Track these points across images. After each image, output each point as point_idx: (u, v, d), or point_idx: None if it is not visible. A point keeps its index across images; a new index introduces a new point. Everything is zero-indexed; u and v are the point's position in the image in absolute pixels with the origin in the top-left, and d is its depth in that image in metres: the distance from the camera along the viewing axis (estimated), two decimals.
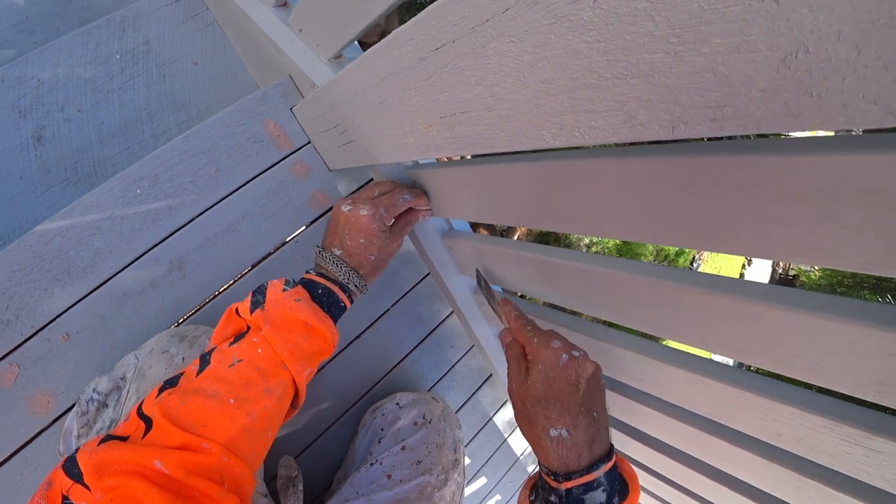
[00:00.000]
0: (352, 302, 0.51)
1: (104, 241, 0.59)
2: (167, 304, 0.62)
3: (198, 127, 0.63)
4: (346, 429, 0.78)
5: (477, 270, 0.62)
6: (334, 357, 0.76)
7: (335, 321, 0.48)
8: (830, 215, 0.23)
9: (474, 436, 1.02)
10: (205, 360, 0.42)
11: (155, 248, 0.61)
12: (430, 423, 0.70)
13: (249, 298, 0.46)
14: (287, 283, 0.47)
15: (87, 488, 0.32)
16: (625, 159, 0.32)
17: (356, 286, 0.50)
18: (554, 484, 0.40)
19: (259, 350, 0.42)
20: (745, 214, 0.27)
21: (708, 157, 0.27)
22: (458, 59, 0.30)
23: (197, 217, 0.64)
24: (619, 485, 0.40)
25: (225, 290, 0.66)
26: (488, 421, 1.03)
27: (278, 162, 0.68)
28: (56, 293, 0.57)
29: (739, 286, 0.34)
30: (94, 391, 0.50)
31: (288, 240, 0.70)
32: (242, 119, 0.66)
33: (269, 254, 0.69)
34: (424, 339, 0.87)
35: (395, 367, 0.83)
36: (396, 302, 0.82)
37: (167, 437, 0.35)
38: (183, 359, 0.51)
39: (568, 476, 0.39)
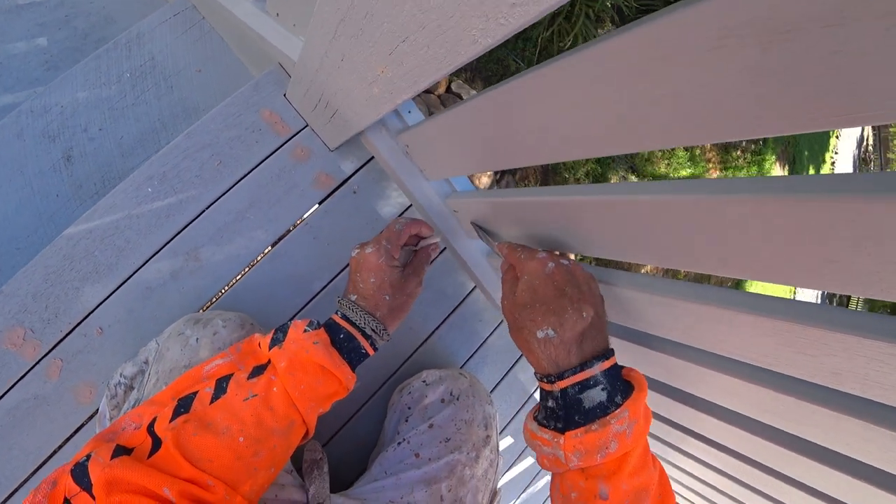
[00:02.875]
0: (375, 349, 0.50)
1: (124, 239, 0.63)
2: (188, 294, 0.65)
3: (198, 123, 0.65)
4: (375, 411, 0.78)
5: (473, 223, 0.60)
6: None
7: (353, 367, 0.48)
8: (837, 48, 0.18)
9: (515, 414, 0.98)
10: (220, 388, 0.42)
11: (171, 242, 0.64)
12: (457, 399, 0.68)
13: (271, 334, 0.47)
14: (310, 324, 0.47)
15: (93, 498, 0.33)
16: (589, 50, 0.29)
17: (373, 330, 0.49)
18: (548, 387, 0.39)
19: (274, 389, 0.42)
20: (729, 79, 0.22)
21: (658, 22, 0.23)
22: None
23: (207, 209, 0.66)
24: (623, 385, 0.38)
25: (241, 277, 0.68)
26: (528, 398, 0.99)
27: (278, 148, 0.69)
28: (87, 291, 0.61)
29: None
30: (121, 376, 0.54)
31: (298, 222, 0.72)
32: (238, 111, 0.67)
33: (281, 238, 0.70)
34: (450, 314, 0.85)
35: (421, 344, 0.82)
36: None
37: (176, 467, 0.36)
38: (197, 339, 0.53)
39: (560, 375, 0.38)
